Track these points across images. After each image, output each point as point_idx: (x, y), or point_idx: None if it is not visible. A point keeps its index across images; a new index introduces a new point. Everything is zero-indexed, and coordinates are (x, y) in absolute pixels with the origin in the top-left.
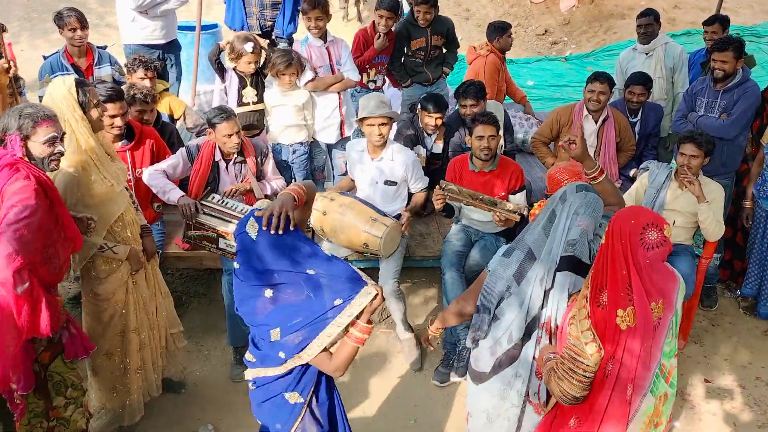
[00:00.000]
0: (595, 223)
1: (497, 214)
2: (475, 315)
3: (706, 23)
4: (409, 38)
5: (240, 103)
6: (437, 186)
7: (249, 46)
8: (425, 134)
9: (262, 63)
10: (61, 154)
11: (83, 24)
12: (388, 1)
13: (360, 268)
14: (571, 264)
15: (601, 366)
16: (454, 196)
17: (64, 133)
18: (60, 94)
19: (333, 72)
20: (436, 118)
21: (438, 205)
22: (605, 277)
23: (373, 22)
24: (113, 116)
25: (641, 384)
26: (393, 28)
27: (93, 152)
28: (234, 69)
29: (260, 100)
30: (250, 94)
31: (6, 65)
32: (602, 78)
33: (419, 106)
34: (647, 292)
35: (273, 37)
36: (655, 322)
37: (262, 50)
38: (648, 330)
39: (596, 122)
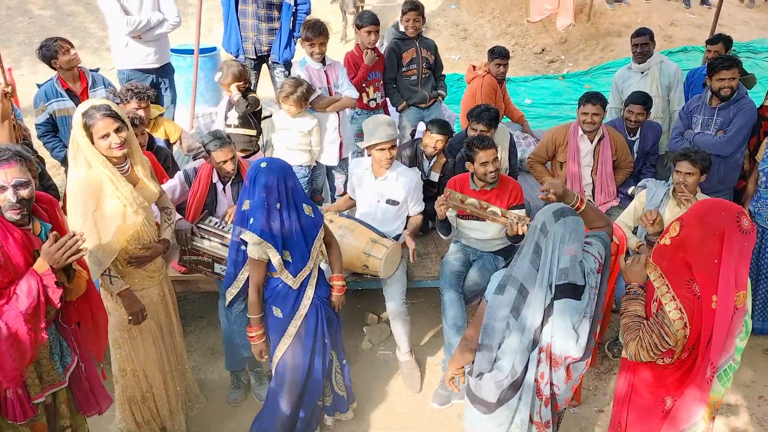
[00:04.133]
0: (580, 244)
1: (507, 220)
2: (478, 354)
3: (710, 42)
4: (400, 52)
5: (226, 124)
6: (442, 195)
7: (221, 76)
8: (424, 157)
9: (247, 89)
10: (23, 203)
11: (71, 44)
12: (369, 16)
13: (359, 290)
14: (567, 290)
15: (697, 348)
16: (458, 205)
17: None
18: (75, 116)
19: (331, 94)
20: (437, 141)
21: (440, 210)
22: (692, 273)
23: (357, 44)
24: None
25: (718, 367)
26: (382, 49)
27: (103, 174)
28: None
29: (243, 125)
30: (232, 116)
31: (6, 89)
32: (594, 99)
33: (424, 127)
34: (736, 281)
35: (269, 62)
36: (736, 310)
37: (246, 78)
38: (728, 317)
39: (592, 142)
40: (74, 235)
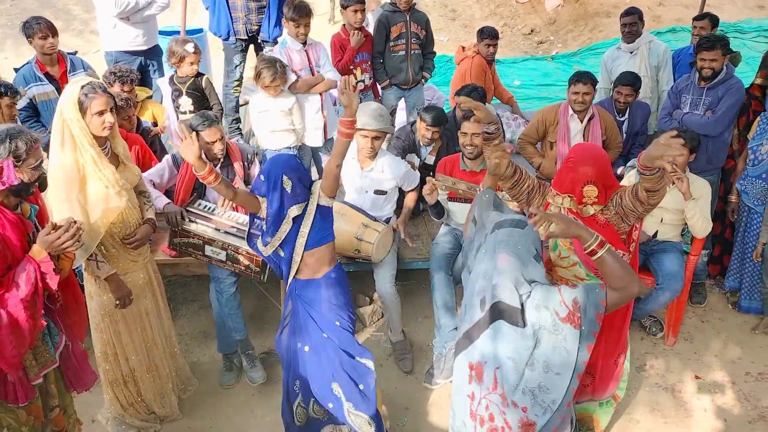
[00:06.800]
0: (514, 258)
1: None
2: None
3: (696, 18)
4: (389, 24)
5: (179, 112)
6: (429, 179)
7: (190, 47)
8: (421, 144)
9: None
10: (43, 176)
11: (53, 31)
12: None
13: (350, 271)
14: (498, 311)
15: None
16: (450, 187)
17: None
18: (67, 90)
19: (313, 74)
20: (433, 132)
21: (429, 198)
22: None
23: (343, 26)
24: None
25: None
26: (370, 29)
27: (87, 153)
28: (171, 78)
29: (198, 107)
30: (186, 103)
31: None
32: (585, 78)
33: (418, 115)
34: None
35: (259, 41)
36: None
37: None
38: None
39: (582, 122)
40: (74, 223)
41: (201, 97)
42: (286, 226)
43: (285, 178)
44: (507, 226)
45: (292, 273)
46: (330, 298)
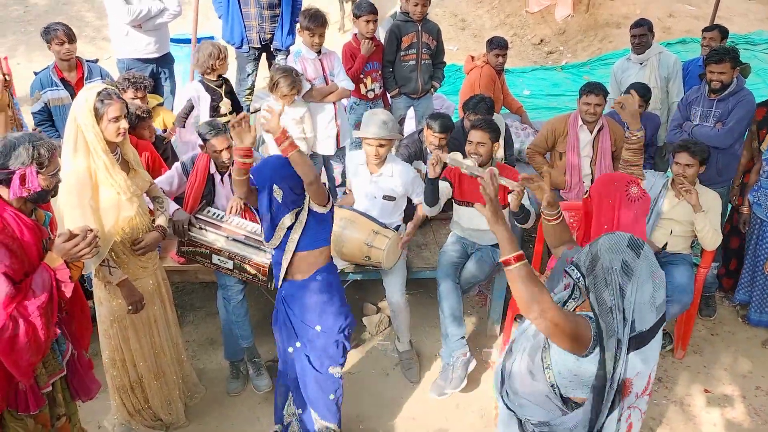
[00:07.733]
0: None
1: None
2: None
3: (705, 30)
4: (400, 34)
5: (220, 114)
6: (435, 151)
7: (221, 46)
8: (429, 151)
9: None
10: (58, 184)
11: (71, 37)
12: (367, 5)
13: (359, 280)
14: (660, 322)
15: None
16: (457, 162)
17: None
18: (81, 96)
19: (327, 83)
20: (440, 138)
21: (431, 171)
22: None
23: (355, 35)
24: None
25: None
26: (384, 29)
27: (100, 159)
28: (203, 83)
29: (234, 109)
30: (227, 104)
31: (7, 76)
32: (597, 90)
33: (425, 122)
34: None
35: (272, 49)
36: None
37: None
38: None
39: (591, 132)
40: (91, 231)
41: (234, 98)
42: (280, 233)
43: (275, 187)
44: (643, 243)
45: (281, 275)
46: (315, 300)
